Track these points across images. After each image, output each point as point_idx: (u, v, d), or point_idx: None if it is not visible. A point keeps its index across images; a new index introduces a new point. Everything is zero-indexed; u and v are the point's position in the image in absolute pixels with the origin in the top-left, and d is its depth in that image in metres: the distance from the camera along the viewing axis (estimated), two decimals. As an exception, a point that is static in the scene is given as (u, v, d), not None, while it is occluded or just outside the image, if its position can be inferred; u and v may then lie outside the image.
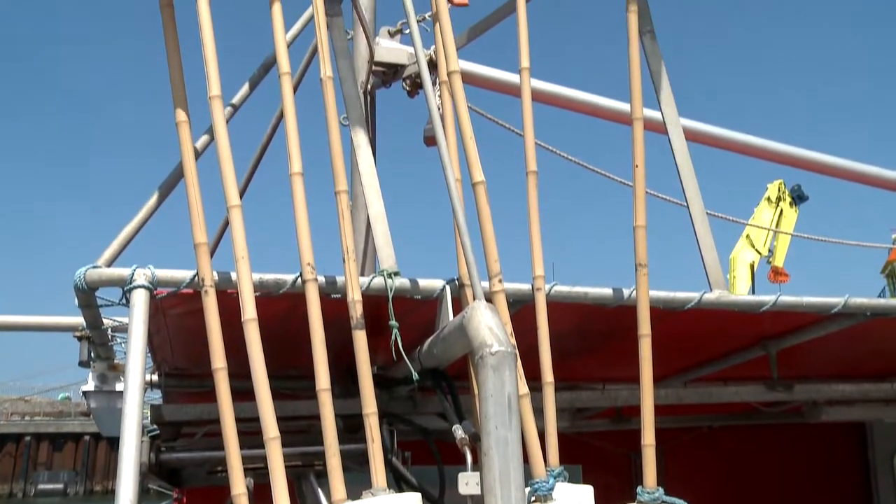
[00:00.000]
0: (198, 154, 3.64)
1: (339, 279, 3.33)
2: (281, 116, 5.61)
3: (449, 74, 3.40)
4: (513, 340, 2.94)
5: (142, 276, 3.24)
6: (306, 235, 3.18)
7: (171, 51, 3.34)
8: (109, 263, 3.57)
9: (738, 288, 29.02)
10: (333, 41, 4.12)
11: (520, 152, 3.53)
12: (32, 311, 6.09)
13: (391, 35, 5.90)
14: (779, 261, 30.73)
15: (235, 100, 4.59)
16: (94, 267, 3.36)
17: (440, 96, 3.68)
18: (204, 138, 4.01)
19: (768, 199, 30.70)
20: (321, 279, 3.26)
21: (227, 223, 5.12)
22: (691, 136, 5.09)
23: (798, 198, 31.02)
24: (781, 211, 30.74)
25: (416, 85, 5.89)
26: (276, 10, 3.44)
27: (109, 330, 5.38)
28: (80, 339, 5.79)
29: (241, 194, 4.24)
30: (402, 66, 5.81)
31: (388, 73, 5.86)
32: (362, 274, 5.10)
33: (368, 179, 3.63)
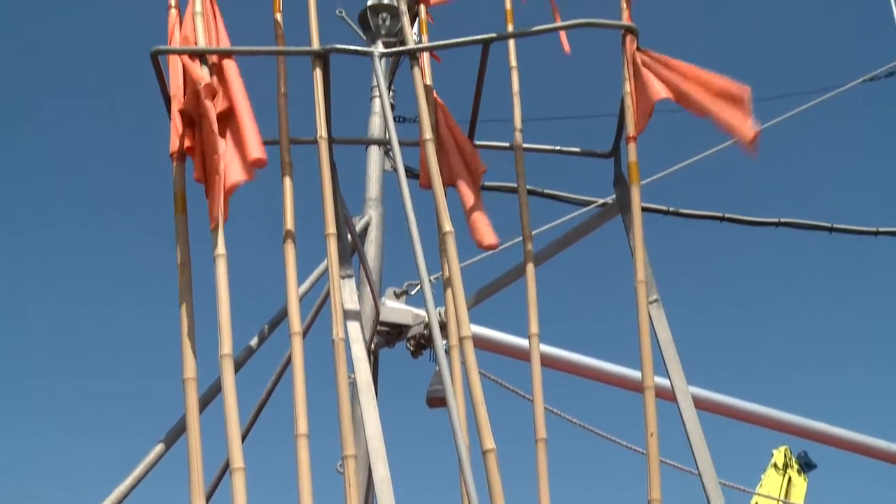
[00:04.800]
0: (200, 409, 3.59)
1: (342, 549, 3.18)
2: (282, 371, 5.60)
3: (461, 339, 3.42)
4: None
5: (134, 542, 3.09)
6: (309, 501, 3.07)
7: (186, 311, 3.39)
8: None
9: (750, 561, 27.76)
10: (344, 302, 4.18)
11: (526, 412, 3.50)
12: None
13: (397, 296, 6.03)
14: (791, 533, 29.58)
15: (240, 357, 4.57)
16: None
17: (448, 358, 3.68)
18: (206, 393, 3.96)
19: (775, 465, 30.00)
20: (322, 548, 3.12)
21: (223, 471, 4.97)
22: (701, 405, 5.04)
23: (805, 465, 30.28)
24: (790, 479, 29.94)
25: (420, 346, 5.94)
26: (291, 270, 3.50)
27: None
28: None
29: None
30: (407, 327, 5.89)
31: (393, 333, 5.94)
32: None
33: (374, 444, 3.55)
